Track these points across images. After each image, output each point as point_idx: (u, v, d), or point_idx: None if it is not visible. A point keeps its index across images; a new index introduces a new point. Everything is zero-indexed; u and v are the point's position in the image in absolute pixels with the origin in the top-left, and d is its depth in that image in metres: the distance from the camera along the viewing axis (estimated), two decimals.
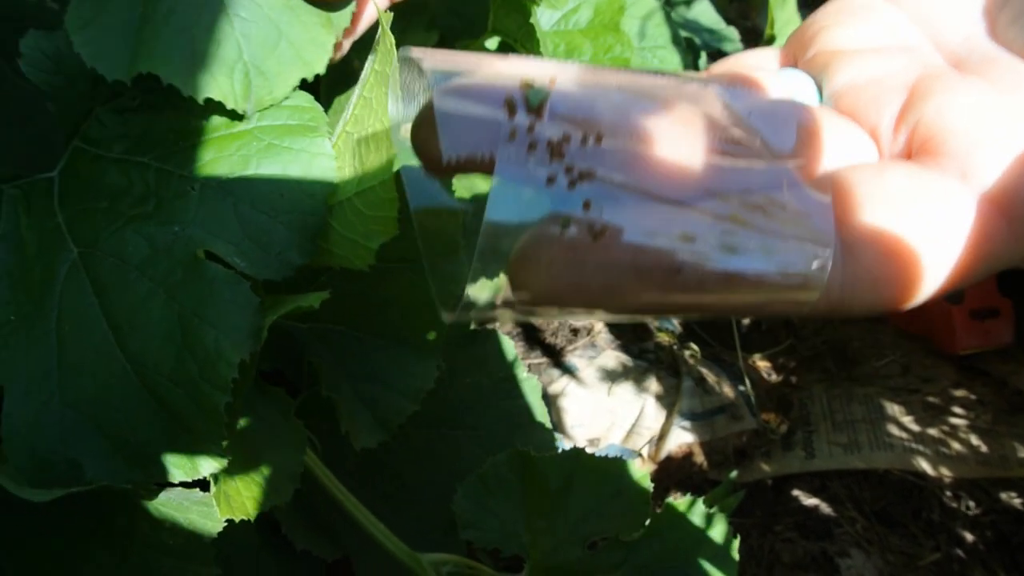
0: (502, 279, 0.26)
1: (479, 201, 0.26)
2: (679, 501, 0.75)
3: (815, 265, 0.27)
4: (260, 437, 0.66)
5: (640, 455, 1.38)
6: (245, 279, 0.53)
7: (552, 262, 0.25)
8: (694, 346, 1.56)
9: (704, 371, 1.49)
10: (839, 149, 0.30)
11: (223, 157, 0.56)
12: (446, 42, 1.05)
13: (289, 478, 0.67)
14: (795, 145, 0.29)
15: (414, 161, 0.28)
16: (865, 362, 1.55)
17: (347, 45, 0.62)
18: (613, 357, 1.52)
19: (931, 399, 1.45)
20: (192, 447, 0.54)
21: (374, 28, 0.55)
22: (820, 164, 0.29)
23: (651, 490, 0.75)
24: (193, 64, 0.53)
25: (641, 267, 0.25)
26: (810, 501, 1.32)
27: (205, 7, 0.54)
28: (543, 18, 1.05)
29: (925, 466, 1.34)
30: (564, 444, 1.38)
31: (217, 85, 0.54)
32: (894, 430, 1.39)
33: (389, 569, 0.78)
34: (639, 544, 0.74)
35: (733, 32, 1.51)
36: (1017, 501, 1.30)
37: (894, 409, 1.43)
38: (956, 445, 1.37)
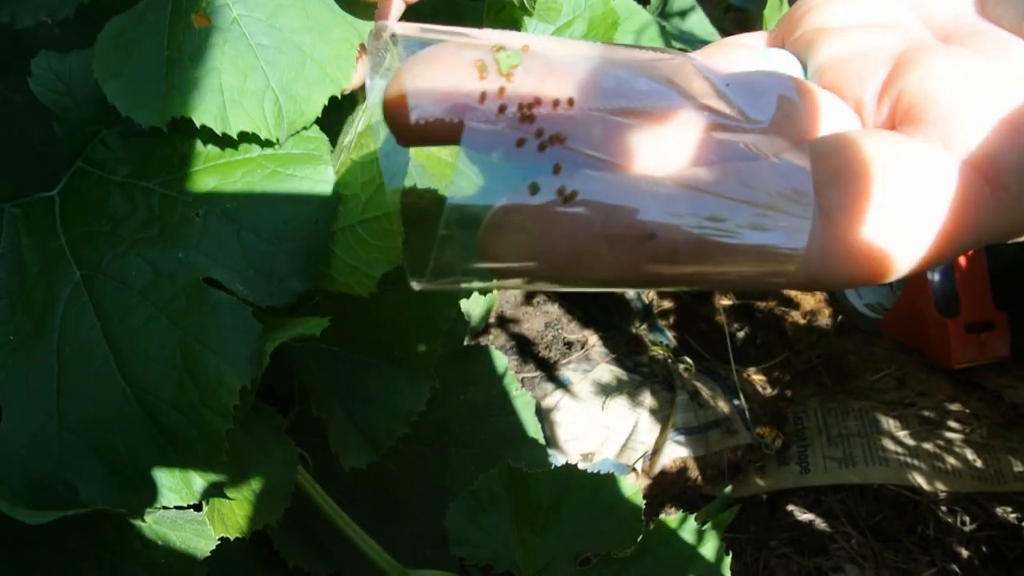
0: (471, 247, 0.26)
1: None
2: (671, 518, 0.75)
3: (792, 234, 0.26)
4: (252, 455, 0.66)
5: (634, 470, 1.38)
6: (247, 305, 0.53)
7: (520, 228, 0.25)
8: (688, 359, 1.56)
9: (699, 385, 1.49)
10: (819, 119, 0.29)
11: (228, 184, 0.56)
12: None
13: (281, 496, 0.67)
14: (774, 115, 0.28)
15: (390, 137, 0.28)
16: (860, 376, 1.55)
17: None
18: (607, 371, 1.52)
19: (926, 413, 1.44)
20: (189, 472, 0.54)
21: None
22: (799, 134, 0.28)
23: (643, 506, 0.75)
24: (223, 101, 0.54)
25: (612, 233, 0.25)
26: (805, 516, 1.32)
27: (227, 42, 0.55)
28: (536, 32, 1.06)
29: (920, 481, 1.33)
30: (558, 459, 1.37)
31: (249, 118, 0.54)
32: (889, 444, 1.39)
33: None
34: (631, 561, 0.74)
35: None
36: (1013, 516, 1.30)
37: (889, 423, 1.43)
38: (951, 460, 1.37)
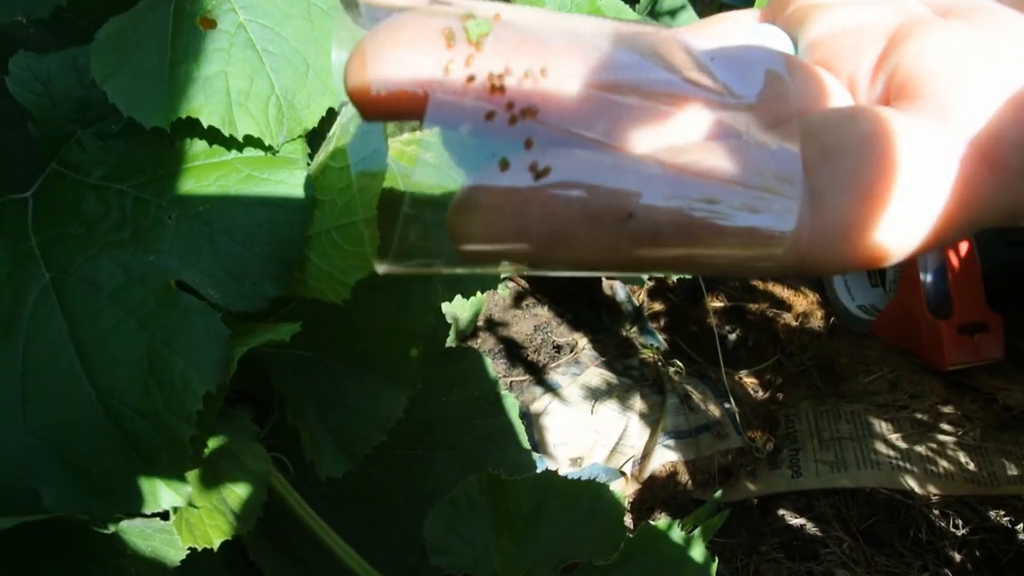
0: (439, 227, 0.24)
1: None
2: (655, 523, 0.73)
3: (780, 216, 0.25)
4: (223, 464, 0.65)
5: (624, 474, 1.36)
6: (218, 309, 0.52)
7: (490, 207, 0.23)
8: (679, 363, 1.54)
9: (689, 388, 1.47)
10: (810, 96, 0.28)
11: (202, 187, 0.56)
12: None
13: (252, 508, 0.65)
14: (761, 91, 0.27)
15: (355, 117, 0.26)
16: (853, 378, 1.53)
17: None
18: (597, 374, 1.51)
19: (919, 416, 1.43)
20: (154, 479, 0.53)
21: None
22: (788, 110, 0.27)
23: (626, 512, 0.74)
24: (230, 103, 0.54)
25: (589, 212, 0.23)
26: (796, 521, 1.30)
27: (234, 46, 0.55)
28: None
29: (913, 484, 1.32)
30: (547, 464, 1.36)
31: (254, 121, 0.55)
32: (881, 448, 1.38)
33: None
34: (614, 567, 0.73)
35: None
36: (1006, 519, 1.29)
37: (881, 426, 1.42)
38: (944, 463, 1.35)
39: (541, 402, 1.45)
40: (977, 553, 1.25)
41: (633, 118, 0.25)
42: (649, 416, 1.43)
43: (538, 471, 0.77)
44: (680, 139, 0.25)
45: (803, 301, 1.69)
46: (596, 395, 1.46)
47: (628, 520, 1.31)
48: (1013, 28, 0.27)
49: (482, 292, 0.97)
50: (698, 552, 0.74)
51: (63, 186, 0.57)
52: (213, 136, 0.55)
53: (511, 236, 0.24)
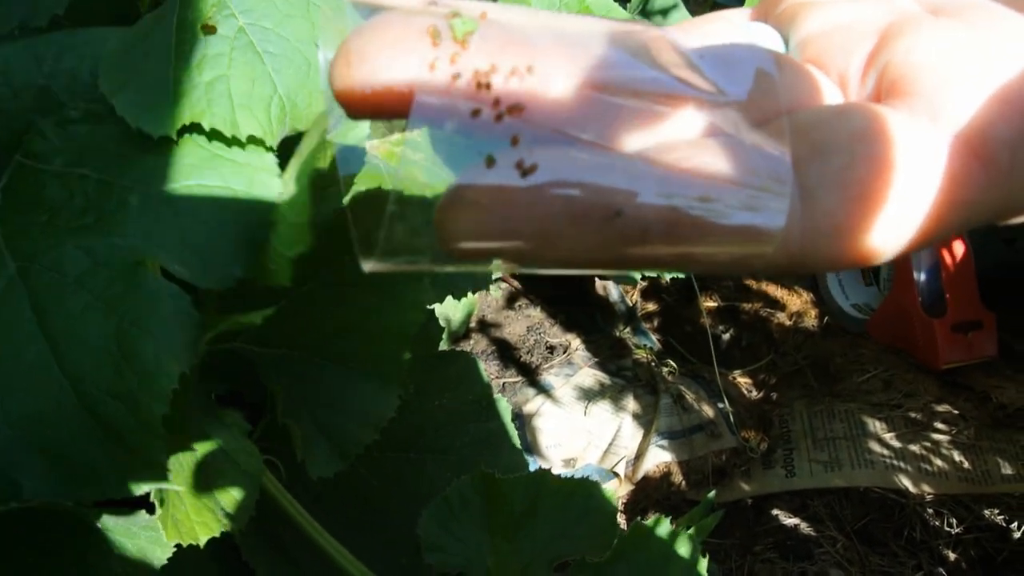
0: (425, 225, 0.24)
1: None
2: (646, 521, 0.73)
3: (770, 214, 0.24)
4: (215, 463, 0.65)
5: (617, 475, 1.36)
6: (186, 288, 0.52)
7: (476, 205, 0.23)
8: (672, 363, 1.54)
9: (683, 388, 1.47)
10: (800, 93, 0.28)
11: (165, 167, 0.55)
12: None
13: (245, 506, 0.65)
14: (750, 89, 0.27)
15: (341, 115, 0.26)
16: (847, 377, 1.53)
17: None
18: (590, 375, 1.50)
19: (913, 415, 1.43)
20: (130, 462, 0.52)
21: None
22: (777, 108, 0.27)
23: (618, 510, 0.73)
24: (232, 106, 0.55)
25: (576, 210, 0.23)
26: (790, 521, 1.30)
27: (235, 50, 0.56)
28: None
29: (907, 483, 1.32)
30: (540, 465, 1.35)
31: (257, 123, 0.55)
32: (875, 447, 1.37)
33: None
34: (607, 565, 0.72)
35: None
36: (1000, 517, 1.29)
37: (876, 425, 1.41)
38: (938, 462, 1.35)
39: (534, 403, 1.45)
40: (972, 552, 1.25)
41: (621, 116, 0.25)
42: (642, 417, 1.43)
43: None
44: (668, 137, 0.25)
45: (797, 300, 1.69)
46: (589, 396, 1.46)
47: (622, 521, 1.31)
48: (1006, 25, 0.27)
49: (474, 293, 0.96)
50: (688, 548, 0.74)
51: (26, 176, 0.56)
52: (215, 138, 0.56)
53: (498, 234, 0.23)
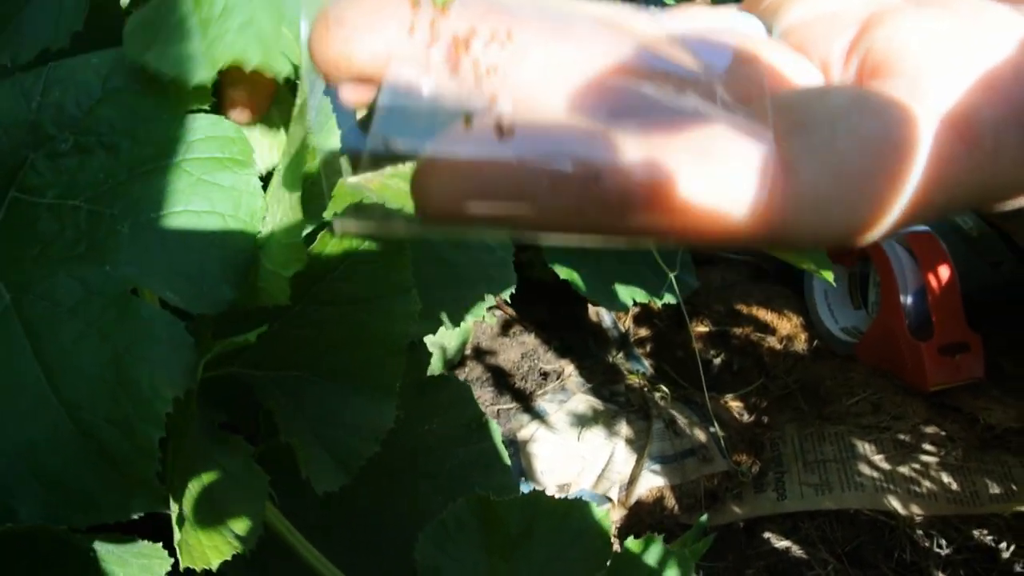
0: (402, 186, 0.24)
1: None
2: (636, 542, 0.74)
3: (749, 185, 0.24)
4: (220, 486, 0.66)
5: (611, 500, 1.37)
6: (180, 314, 0.53)
7: (454, 167, 0.23)
8: (664, 388, 1.55)
9: (675, 413, 1.48)
10: (781, 76, 0.28)
11: (152, 194, 0.56)
12: None
13: (252, 528, 0.66)
14: (732, 69, 0.27)
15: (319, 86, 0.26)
16: (836, 400, 1.55)
17: None
18: (583, 401, 1.51)
19: (902, 436, 1.44)
20: (126, 486, 0.53)
21: None
22: (759, 90, 0.27)
23: (612, 531, 0.75)
24: (268, 47, 0.56)
25: (554, 174, 0.23)
26: (782, 543, 1.31)
27: None
28: None
29: (896, 505, 1.33)
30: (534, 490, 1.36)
31: (295, 56, 0.57)
32: (865, 469, 1.39)
33: None
34: None
35: None
36: (989, 538, 1.30)
37: (865, 448, 1.43)
38: (927, 483, 1.36)
39: (528, 429, 1.46)
40: (961, 572, 1.26)
41: (601, 86, 0.25)
42: (635, 441, 1.44)
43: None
44: (648, 108, 0.25)
45: (787, 324, 1.71)
46: (583, 421, 1.47)
47: (615, 546, 1.32)
48: (989, 16, 0.27)
49: (471, 319, 0.98)
50: (678, 569, 0.75)
51: (21, 210, 0.58)
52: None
53: (475, 195, 0.23)
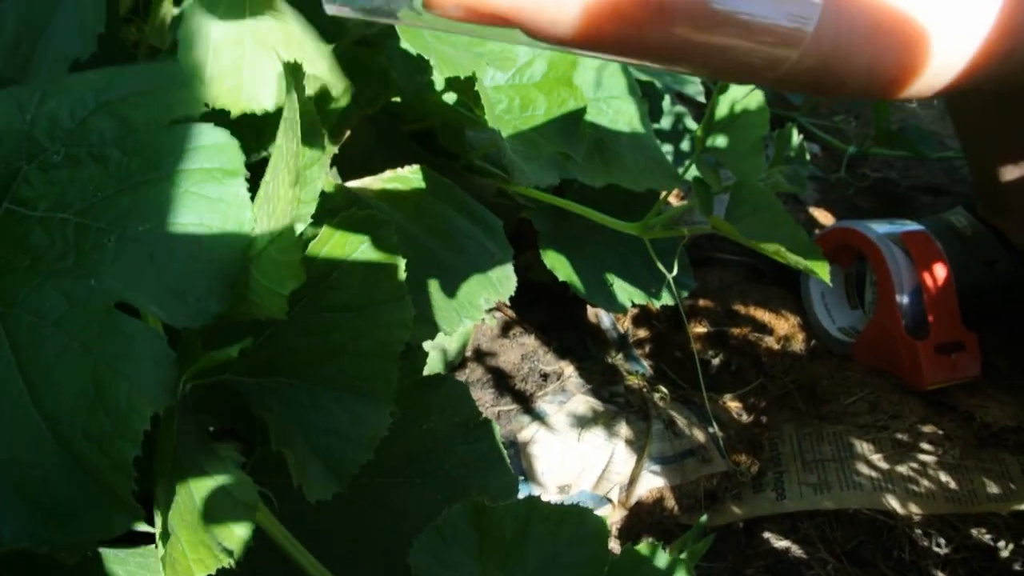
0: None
1: None
2: (638, 546, 0.74)
3: (804, 11, 0.24)
4: (208, 497, 0.66)
5: (611, 501, 1.37)
6: (164, 329, 0.53)
7: None
8: (664, 388, 1.56)
9: (674, 413, 1.48)
10: None
11: (140, 207, 0.56)
12: (405, 95, 1.06)
13: (241, 540, 0.66)
14: None
15: None
16: (834, 400, 1.55)
17: None
18: (583, 402, 1.52)
19: (899, 436, 1.45)
20: (105, 503, 0.53)
21: None
22: None
23: (610, 535, 0.75)
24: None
25: None
26: (781, 543, 1.31)
27: None
28: (498, 73, 1.07)
29: (894, 504, 1.33)
30: (534, 491, 1.37)
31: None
32: (863, 468, 1.39)
33: None
34: None
35: None
36: (988, 537, 1.30)
37: (863, 447, 1.43)
38: (925, 482, 1.37)
39: (528, 431, 1.46)
40: (960, 571, 1.26)
41: None
42: (635, 442, 1.44)
43: (522, 497, 0.78)
44: None
45: (785, 325, 1.71)
46: (582, 422, 1.47)
47: (616, 546, 1.32)
48: None
49: (471, 322, 0.98)
50: (680, 572, 0.75)
51: (14, 223, 0.58)
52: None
53: None
